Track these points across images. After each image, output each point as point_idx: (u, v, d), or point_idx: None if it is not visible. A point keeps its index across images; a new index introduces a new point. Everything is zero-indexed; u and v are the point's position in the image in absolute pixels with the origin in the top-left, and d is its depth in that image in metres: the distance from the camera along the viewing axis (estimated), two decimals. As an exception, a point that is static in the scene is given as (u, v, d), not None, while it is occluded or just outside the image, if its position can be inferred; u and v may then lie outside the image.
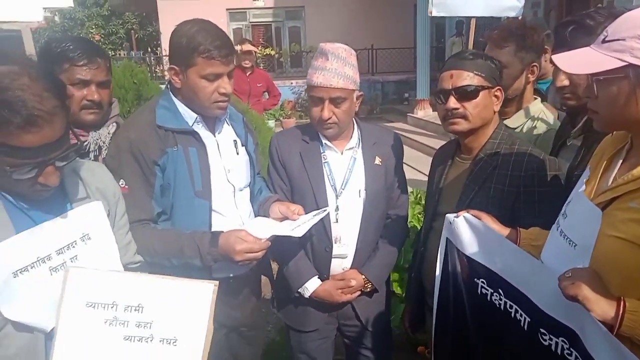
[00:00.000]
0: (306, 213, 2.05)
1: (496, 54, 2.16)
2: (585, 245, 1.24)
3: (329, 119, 2.06)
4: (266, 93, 7.08)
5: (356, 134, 2.22)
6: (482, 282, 1.60)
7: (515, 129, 2.31)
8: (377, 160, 2.20)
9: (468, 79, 1.85)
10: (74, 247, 1.40)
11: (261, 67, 7.31)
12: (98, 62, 1.96)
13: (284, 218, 2.03)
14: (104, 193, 1.58)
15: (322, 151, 2.17)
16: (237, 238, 1.82)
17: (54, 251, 1.36)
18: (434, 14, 2.78)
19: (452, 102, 1.86)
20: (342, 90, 2.03)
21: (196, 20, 1.93)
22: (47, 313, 1.35)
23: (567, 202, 1.40)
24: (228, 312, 2.04)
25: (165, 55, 15.32)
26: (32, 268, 1.31)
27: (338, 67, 2.03)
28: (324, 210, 2.04)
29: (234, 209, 2.05)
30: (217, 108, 1.94)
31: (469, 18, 2.76)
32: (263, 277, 2.36)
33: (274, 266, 2.37)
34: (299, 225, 1.94)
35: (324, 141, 2.18)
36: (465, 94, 1.85)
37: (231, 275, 2.04)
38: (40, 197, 1.36)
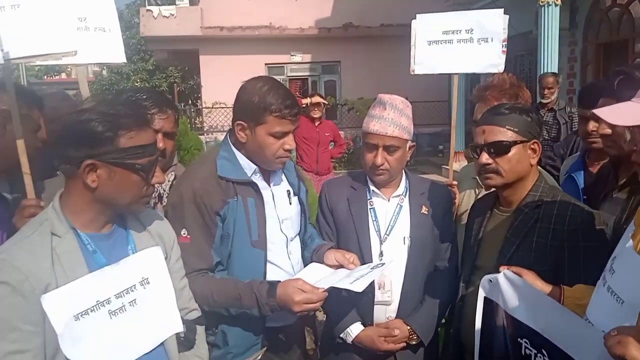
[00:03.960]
0: (362, 263, 2.02)
1: None
2: (633, 301, 1.19)
3: (382, 165, 2.09)
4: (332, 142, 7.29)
5: (404, 183, 2.25)
6: (526, 342, 1.54)
7: None
8: (424, 210, 2.20)
9: (500, 134, 1.84)
10: (133, 291, 1.43)
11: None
12: (168, 113, 2.05)
13: (339, 266, 2.02)
14: (162, 237, 1.63)
15: (368, 197, 2.21)
16: (295, 289, 1.80)
17: (113, 295, 1.38)
18: (416, 72, 2.74)
19: (484, 158, 1.85)
20: (396, 139, 2.08)
21: (264, 78, 2.01)
22: (106, 357, 1.36)
23: (612, 257, 1.35)
24: None
25: (205, 107, 15.85)
26: (92, 311, 1.34)
27: (394, 117, 2.09)
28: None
29: (286, 259, 2.08)
30: (280, 163, 2.01)
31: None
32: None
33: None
34: (357, 278, 1.87)
35: (372, 188, 2.21)
36: (497, 149, 1.83)
37: (284, 324, 2.04)
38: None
